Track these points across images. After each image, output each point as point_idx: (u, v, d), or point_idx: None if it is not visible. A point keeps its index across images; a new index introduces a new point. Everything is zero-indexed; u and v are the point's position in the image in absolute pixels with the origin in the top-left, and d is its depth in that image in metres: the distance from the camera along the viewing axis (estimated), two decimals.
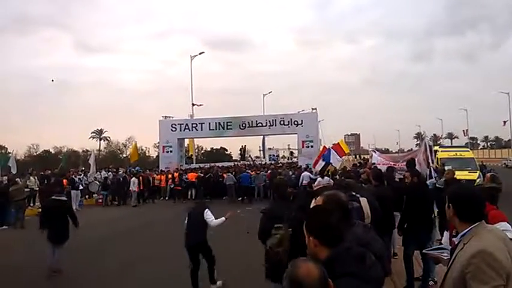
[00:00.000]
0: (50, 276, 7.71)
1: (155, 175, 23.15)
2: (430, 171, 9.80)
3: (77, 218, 8.53)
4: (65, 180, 16.80)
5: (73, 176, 19.29)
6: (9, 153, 28.15)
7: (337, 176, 9.47)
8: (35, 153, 57.85)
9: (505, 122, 60.48)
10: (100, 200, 20.42)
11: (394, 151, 78.67)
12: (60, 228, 8.00)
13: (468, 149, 21.66)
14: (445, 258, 2.87)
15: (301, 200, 4.85)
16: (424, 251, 3.14)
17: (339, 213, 2.18)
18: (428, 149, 10.32)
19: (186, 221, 6.90)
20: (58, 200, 8.38)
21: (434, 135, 78.63)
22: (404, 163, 10.08)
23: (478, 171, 16.26)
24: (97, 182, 20.99)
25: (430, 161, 10.11)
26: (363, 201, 3.70)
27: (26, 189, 15.70)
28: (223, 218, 6.91)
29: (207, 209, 6.99)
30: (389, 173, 8.49)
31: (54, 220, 8.04)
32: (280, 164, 30.54)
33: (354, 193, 3.82)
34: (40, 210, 11.54)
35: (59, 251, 7.97)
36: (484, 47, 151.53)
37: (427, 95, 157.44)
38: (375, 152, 15.98)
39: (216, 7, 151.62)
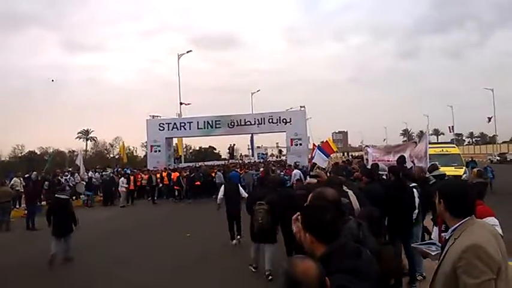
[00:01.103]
0: (63, 264, 8.58)
1: (142, 175, 22.98)
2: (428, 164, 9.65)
3: (75, 216, 9.25)
4: None
5: (59, 177, 19.04)
6: None
7: (328, 174, 9.47)
8: (20, 154, 56.87)
9: (489, 119, 61.58)
10: (100, 199, 20.30)
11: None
12: (63, 223, 8.86)
13: (454, 145, 21.92)
14: (433, 253, 2.90)
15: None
16: (412, 245, 3.15)
17: (333, 210, 2.18)
18: (427, 143, 10.27)
19: (222, 194, 9.67)
20: (60, 197, 9.28)
21: (421, 131, 79.69)
22: (395, 158, 10.13)
23: (464, 167, 16.50)
24: (83, 183, 20.71)
25: (427, 154, 10.01)
26: (351, 195, 3.72)
27: (12, 191, 15.44)
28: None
29: (239, 185, 10.41)
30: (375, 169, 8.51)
31: (58, 216, 8.89)
32: (272, 162, 30.67)
33: (344, 188, 3.83)
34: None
35: (67, 241, 8.85)
36: (470, 44, 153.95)
37: (413, 92, 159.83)
38: (369, 148, 15.96)
39: (206, 5, 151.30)
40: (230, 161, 41.84)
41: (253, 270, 7.15)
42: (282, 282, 1.66)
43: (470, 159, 25.83)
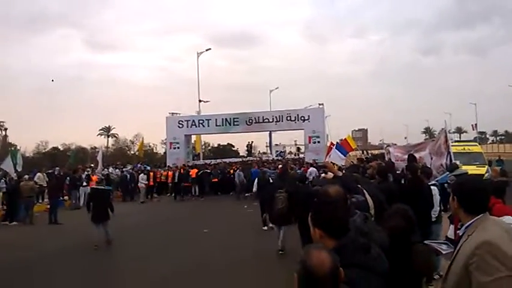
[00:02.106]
0: (105, 246, 9.75)
1: (162, 171, 23.29)
2: (451, 160, 9.25)
3: (112, 205, 10.46)
4: (95, 177, 18.13)
5: (80, 173, 19.52)
6: (18, 150, 28.37)
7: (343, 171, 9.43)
8: (43, 150, 58.24)
9: None
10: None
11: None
12: (101, 211, 9.93)
13: (476, 144, 21.45)
14: (444, 252, 2.86)
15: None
16: (425, 242, 3.12)
17: (342, 205, 2.18)
18: (448, 139, 9.75)
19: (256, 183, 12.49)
20: (98, 188, 10.73)
21: (442, 129, 77.93)
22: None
23: (486, 166, 16.12)
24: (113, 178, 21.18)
25: (450, 150, 9.37)
26: (366, 193, 3.71)
27: (36, 186, 15.90)
28: None
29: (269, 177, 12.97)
30: (392, 168, 8.40)
31: (96, 204, 10.04)
32: (290, 160, 30.60)
33: (359, 186, 3.81)
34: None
35: (105, 227, 9.92)
36: (494, 40, 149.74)
37: (435, 89, 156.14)
38: (391, 147, 15.71)
39: (222, 3, 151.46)
40: (248, 158, 41.97)
41: (279, 251, 8.29)
42: (298, 271, 1.70)
43: (498, 157, 25.18)
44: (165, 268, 7.93)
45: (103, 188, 10.96)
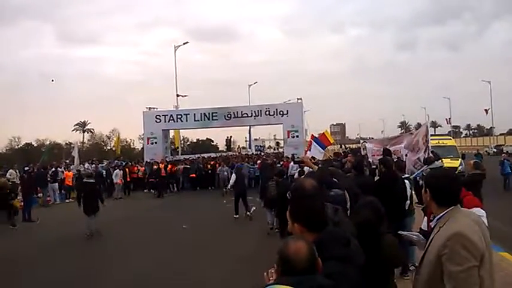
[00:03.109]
0: (94, 236, 10.33)
1: (139, 167, 22.99)
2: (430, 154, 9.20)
3: (102, 196, 11.52)
4: (71, 173, 19.22)
5: (54, 169, 19.08)
6: None
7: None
8: (16, 146, 56.68)
9: (486, 111, 61.67)
10: None
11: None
12: (91, 203, 10.55)
13: (450, 137, 22.04)
14: (415, 238, 2.95)
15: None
16: (399, 232, 3.19)
17: (320, 198, 2.19)
18: (428, 134, 9.67)
19: (234, 178, 12.87)
20: (88, 182, 11.39)
21: (418, 123, 79.77)
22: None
23: (459, 159, 16.60)
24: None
25: (429, 144, 9.47)
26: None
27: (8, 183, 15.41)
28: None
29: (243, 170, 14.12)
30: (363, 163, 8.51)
31: (86, 197, 10.69)
32: (271, 154, 30.79)
33: (335, 180, 3.83)
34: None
35: (94, 219, 10.57)
36: (467, 36, 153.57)
37: (411, 84, 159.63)
38: (367, 143, 15.87)
39: None
40: (228, 153, 41.82)
41: (270, 229, 10.00)
42: (276, 260, 1.72)
43: (477, 151, 25.83)
44: (147, 262, 7.95)
45: (92, 181, 11.59)
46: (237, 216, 12.29)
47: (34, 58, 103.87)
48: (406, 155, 10.09)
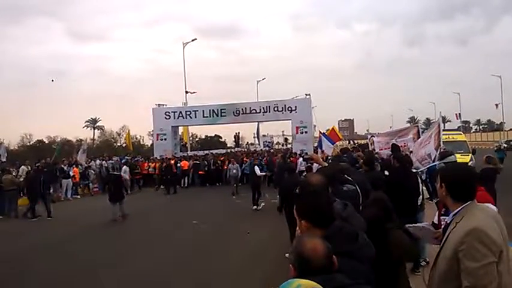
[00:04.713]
0: (121, 220, 11.99)
1: (149, 163, 23.08)
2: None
3: (124, 186, 13.88)
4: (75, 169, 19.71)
5: (62, 166, 19.25)
6: (1, 143, 27.80)
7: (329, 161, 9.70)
8: (28, 143, 57.26)
9: (497, 105, 60.88)
10: (96, 189, 20.48)
11: None
12: (116, 192, 12.42)
13: (460, 132, 21.76)
14: (421, 226, 2.98)
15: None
16: (406, 225, 3.16)
17: (326, 194, 2.18)
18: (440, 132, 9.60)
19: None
20: (114, 174, 14.15)
21: (428, 119, 79.03)
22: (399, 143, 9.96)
23: (470, 154, 16.40)
24: (92, 171, 20.89)
25: (441, 142, 9.41)
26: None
27: (19, 179, 15.60)
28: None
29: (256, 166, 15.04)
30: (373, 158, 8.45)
31: (112, 187, 12.72)
32: (281, 150, 30.80)
33: (347, 176, 3.82)
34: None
35: (121, 205, 12.27)
36: (476, 31, 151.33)
37: (420, 80, 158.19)
38: (374, 137, 15.72)
39: None
40: (236, 149, 41.85)
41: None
42: (292, 259, 1.69)
43: (497, 147, 25.27)
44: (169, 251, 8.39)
45: (118, 174, 14.13)
46: (255, 207, 13.16)
47: (45, 55, 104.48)
48: (411, 152, 9.95)
